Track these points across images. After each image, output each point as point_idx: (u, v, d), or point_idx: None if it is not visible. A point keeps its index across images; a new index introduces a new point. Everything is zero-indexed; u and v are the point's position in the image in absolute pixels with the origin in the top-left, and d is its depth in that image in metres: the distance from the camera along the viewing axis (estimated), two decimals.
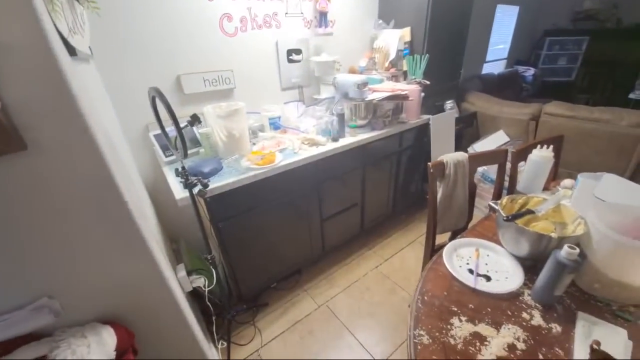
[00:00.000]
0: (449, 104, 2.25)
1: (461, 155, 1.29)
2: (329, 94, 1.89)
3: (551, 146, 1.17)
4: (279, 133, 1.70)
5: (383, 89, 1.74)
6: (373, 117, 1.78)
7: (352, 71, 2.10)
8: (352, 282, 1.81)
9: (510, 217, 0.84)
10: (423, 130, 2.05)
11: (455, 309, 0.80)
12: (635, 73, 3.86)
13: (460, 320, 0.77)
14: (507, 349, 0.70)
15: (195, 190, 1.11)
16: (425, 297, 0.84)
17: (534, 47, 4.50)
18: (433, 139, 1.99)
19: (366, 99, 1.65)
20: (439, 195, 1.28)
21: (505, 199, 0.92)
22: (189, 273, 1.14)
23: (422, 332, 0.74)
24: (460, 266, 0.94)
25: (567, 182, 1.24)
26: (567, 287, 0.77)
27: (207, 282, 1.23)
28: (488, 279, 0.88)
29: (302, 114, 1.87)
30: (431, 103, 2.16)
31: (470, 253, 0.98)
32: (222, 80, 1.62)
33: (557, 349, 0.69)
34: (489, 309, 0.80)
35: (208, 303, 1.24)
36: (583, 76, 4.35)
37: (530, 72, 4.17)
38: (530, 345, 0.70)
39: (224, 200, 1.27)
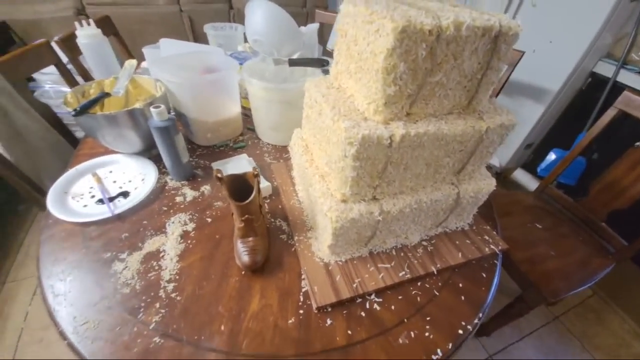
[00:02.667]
0: None
1: None
2: None
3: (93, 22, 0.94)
4: None
5: None
6: None
7: None
8: None
9: (79, 109, 0.60)
10: None
11: (109, 254, 0.56)
12: None
13: (122, 260, 0.55)
14: (182, 240, 0.59)
15: None
16: (61, 279, 0.52)
17: None
18: None
19: None
20: None
21: (69, 94, 0.65)
22: None
23: (84, 317, 0.46)
24: (86, 205, 0.65)
25: (127, 62, 1.13)
26: (189, 151, 0.74)
27: None
28: (126, 194, 0.68)
29: None
30: None
31: (88, 183, 0.70)
32: None
33: (216, 202, 0.68)
34: (145, 222, 0.63)
35: None
36: None
37: None
38: (197, 218, 0.64)
39: None
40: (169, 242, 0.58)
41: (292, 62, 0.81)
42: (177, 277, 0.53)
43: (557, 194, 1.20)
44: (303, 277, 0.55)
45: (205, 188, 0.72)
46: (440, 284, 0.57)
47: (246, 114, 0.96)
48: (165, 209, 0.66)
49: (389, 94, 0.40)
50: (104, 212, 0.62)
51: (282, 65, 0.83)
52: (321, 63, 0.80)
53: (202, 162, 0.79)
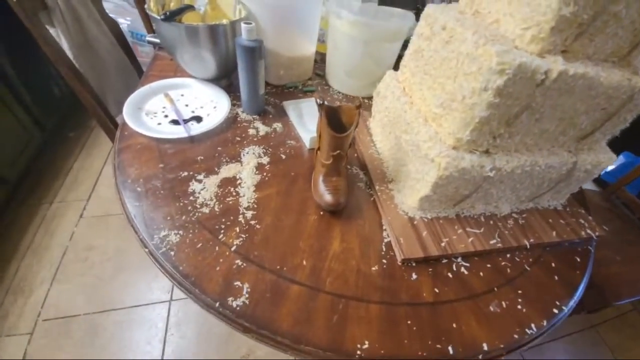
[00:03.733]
0: None
1: None
2: None
3: None
4: None
5: None
6: None
7: None
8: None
9: (168, 13, 0.55)
10: None
11: (186, 173, 0.53)
12: None
13: (200, 181, 0.52)
14: (257, 172, 0.56)
15: None
16: (140, 187, 0.50)
17: None
18: None
19: None
20: (65, 46, 0.74)
21: (152, 1, 0.60)
22: None
23: (163, 228, 0.44)
24: (160, 123, 0.62)
25: None
26: (265, 87, 0.68)
27: None
28: (199, 119, 0.64)
29: None
30: None
31: (160, 103, 0.67)
32: None
33: (289, 141, 0.64)
34: (219, 148, 0.60)
35: None
36: None
37: None
38: (271, 153, 0.60)
39: None
40: (245, 172, 0.55)
41: (383, 1, 0.71)
42: (255, 206, 0.50)
43: (630, 198, 1.09)
44: (384, 228, 0.51)
45: (277, 125, 0.67)
46: (531, 260, 0.51)
47: (316, 59, 0.89)
48: (238, 139, 0.62)
49: (563, 16, 0.32)
50: (178, 132, 0.59)
51: (370, 2, 0.74)
52: (415, 4, 0.70)
53: (273, 100, 0.74)
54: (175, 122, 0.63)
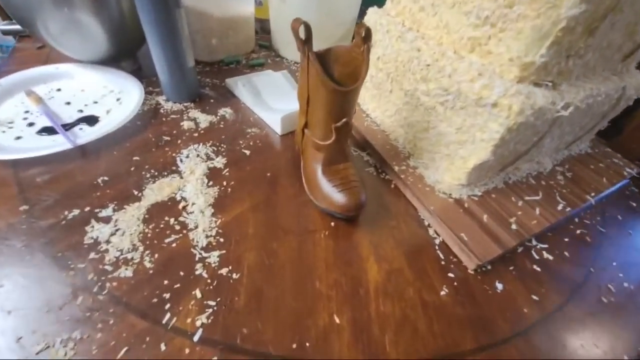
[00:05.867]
0: None
1: None
2: None
3: None
4: None
5: None
6: None
7: None
8: None
9: None
10: None
11: (77, 211, 0.29)
12: None
13: (106, 220, 0.28)
14: (211, 182, 0.34)
15: None
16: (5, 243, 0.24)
17: None
18: None
19: None
20: None
21: None
22: None
23: (38, 335, 0.20)
24: (19, 137, 0.35)
25: None
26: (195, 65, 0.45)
27: None
28: (92, 120, 0.39)
29: None
30: None
31: (19, 107, 0.39)
32: None
33: (249, 129, 0.42)
34: (137, 157, 0.35)
35: None
36: None
37: None
38: (227, 150, 0.38)
39: None
40: (190, 186, 0.32)
41: None
42: (221, 240, 0.28)
43: None
44: (427, 223, 0.33)
45: (225, 111, 0.45)
46: (598, 217, 0.39)
47: (256, 30, 0.68)
48: (167, 138, 0.38)
49: None
50: (54, 144, 0.33)
51: None
52: None
53: (210, 81, 0.51)
54: (48, 130, 0.36)
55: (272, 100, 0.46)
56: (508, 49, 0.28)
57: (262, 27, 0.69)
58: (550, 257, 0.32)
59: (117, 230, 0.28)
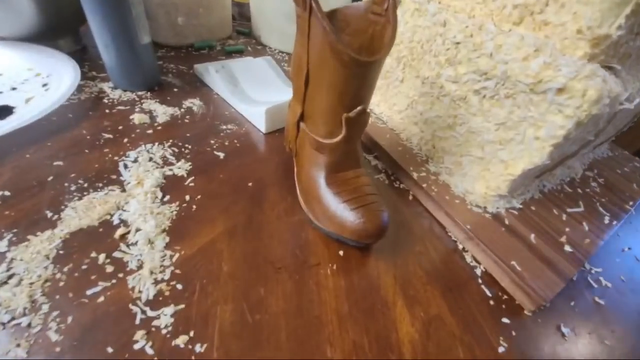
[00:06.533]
0: None
1: None
2: None
3: None
4: None
5: None
6: None
7: None
8: None
9: None
10: None
11: None
12: None
13: None
14: (166, 197, 0.24)
15: None
16: None
17: None
18: None
19: None
20: None
21: None
22: None
23: None
24: None
25: None
26: (155, 48, 0.35)
27: None
28: (3, 112, 0.28)
29: None
30: None
31: None
32: None
33: (223, 126, 0.33)
34: (60, 162, 0.25)
35: None
36: None
37: None
38: (193, 153, 0.28)
39: None
40: (135, 203, 0.22)
41: None
42: (179, 286, 0.19)
43: None
44: (460, 246, 0.25)
45: (193, 103, 0.35)
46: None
47: (233, 15, 0.59)
48: (109, 136, 0.28)
49: None
50: None
51: None
52: None
53: (174, 67, 0.41)
54: None
55: (253, 91, 0.37)
56: (575, 18, 0.21)
57: (241, 13, 0.60)
58: (608, 284, 0.26)
59: (10, 277, 0.17)
